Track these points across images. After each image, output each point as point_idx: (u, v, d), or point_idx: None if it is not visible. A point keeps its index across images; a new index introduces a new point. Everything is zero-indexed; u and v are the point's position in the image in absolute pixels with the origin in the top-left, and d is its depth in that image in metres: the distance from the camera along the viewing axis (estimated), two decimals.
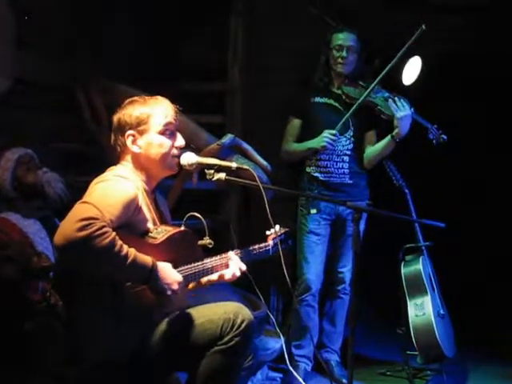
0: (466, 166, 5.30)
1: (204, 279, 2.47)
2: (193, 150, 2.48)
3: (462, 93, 5.09)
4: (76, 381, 2.20)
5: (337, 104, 3.80)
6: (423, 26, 3.36)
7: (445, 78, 4.91)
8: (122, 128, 2.33)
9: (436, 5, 4.53)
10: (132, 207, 2.19)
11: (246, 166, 2.46)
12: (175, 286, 2.18)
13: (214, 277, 2.47)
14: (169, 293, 2.16)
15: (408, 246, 3.90)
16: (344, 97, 3.75)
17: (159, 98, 2.40)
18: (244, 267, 2.48)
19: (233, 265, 2.45)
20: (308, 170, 3.83)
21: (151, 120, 2.33)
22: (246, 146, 3.83)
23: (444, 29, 4.66)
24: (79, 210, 2.03)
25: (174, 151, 2.38)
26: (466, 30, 4.74)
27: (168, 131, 2.36)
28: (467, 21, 4.65)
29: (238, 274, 2.46)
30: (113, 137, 2.38)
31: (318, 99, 3.84)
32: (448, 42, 4.86)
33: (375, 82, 3.57)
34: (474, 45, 4.81)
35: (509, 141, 5.18)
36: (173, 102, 2.42)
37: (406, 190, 3.98)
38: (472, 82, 5.01)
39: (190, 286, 2.48)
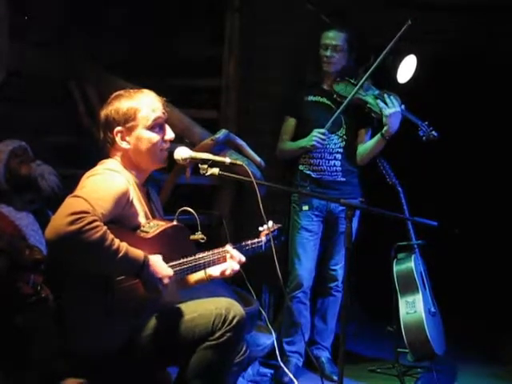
0: (459, 165, 5.31)
1: (206, 274, 2.49)
2: (187, 145, 2.48)
3: (458, 92, 5.10)
4: (66, 375, 2.20)
5: (329, 102, 3.82)
6: (409, 21, 3.37)
7: (441, 77, 4.92)
8: (110, 125, 2.32)
9: (435, 4, 4.53)
10: (123, 201, 2.19)
11: (239, 162, 2.46)
12: (166, 280, 2.18)
13: (216, 273, 2.49)
14: (160, 287, 2.16)
15: (400, 244, 3.92)
16: (335, 95, 3.77)
17: (145, 90, 2.38)
18: (243, 259, 2.50)
19: (231, 259, 2.47)
20: (301, 167, 3.84)
21: (139, 115, 2.31)
22: (240, 141, 3.82)
23: (442, 28, 4.67)
24: (70, 204, 2.02)
25: (164, 144, 2.37)
26: (464, 29, 4.74)
27: (157, 125, 2.35)
28: (465, 20, 4.65)
29: (237, 267, 2.47)
30: (102, 133, 2.36)
31: (310, 98, 3.85)
32: (445, 42, 4.86)
33: (363, 79, 3.58)
34: (472, 45, 4.83)
35: (504, 139, 5.19)
36: (168, 96, 2.42)
37: (400, 188, 3.99)
38: (469, 80, 5.02)
39: (193, 281, 2.51)
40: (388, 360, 3.95)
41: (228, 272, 2.48)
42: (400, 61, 4.10)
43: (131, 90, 2.37)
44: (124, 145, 2.32)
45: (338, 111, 3.63)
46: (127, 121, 2.30)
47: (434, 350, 3.71)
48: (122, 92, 2.37)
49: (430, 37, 4.67)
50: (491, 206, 5.32)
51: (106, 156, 2.37)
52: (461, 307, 4.67)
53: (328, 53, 3.73)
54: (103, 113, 2.34)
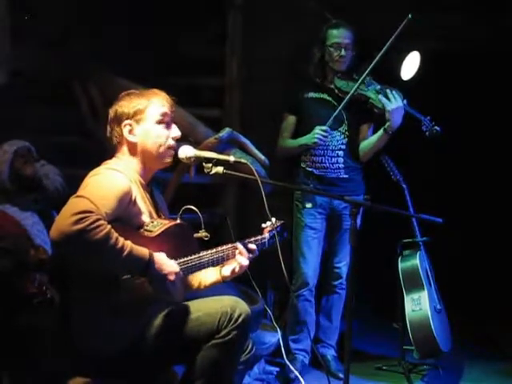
0: (464, 161, 5.30)
1: (220, 275, 2.50)
2: (190, 144, 2.48)
3: (462, 87, 5.09)
4: (72, 375, 2.20)
5: (330, 98, 3.79)
6: (410, 16, 3.35)
7: (445, 72, 4.91)
8: (119, 118, 2.34)
9: (436, 2, 4.53)
10: (126, 200, 2.19)
11: (243, 160, 2.45)
12: (172, 277, 2.18)
13: (227, 272, 2.49)
14: (166, 283, 2.16)
15: (405, 241, 3.90)
16: (336, 91, 3.75)
17: (155, 90, 2.41)
18: (252, 254, 2.49)
19: (240, 255, 2.46)
20: (303, 165, 3.83)
21: (148, 110, 2.34)
22: (243, 139, 3.82)
23: (444, 26, 4.66)
24: (74, 204, 2.03)
25: (170, 142, 2.38)
26: (465, 27, 4.74)
27: (164, 122, 2.37)
28: (465, 18, 4.65)
29: (246, 263, 2.47)
30: (109, 128, 2.38)
31: (311, 94, 3.83)
32: (447, 40, 4.86)
33: (364, 75, 3.57)
34: (472, 43, 4.82)
35: (507, 135, 5.18)
36: (171, 95, 2.43)
37: (404, 185, 3.98)
38: (472, 76, 5.01)
39: (208, 283, 2.52)
40: (394, 357, 3.93)
41: (237, 269, 2.47)
42: (403, 58, 4.09)
43: (141, 90, 2.41)
44: (131, 138, 2.33)
45: (340, 107, 3.62)
46: (136, 114, 2.33)
47: (439, 347, 3.70)
48: (132, 91, 2.41)
49: (432, 32, 4.66)
50: (496, 202, 5.31)
51: (111, 155, 2.38)
52: (467, 304, 4.66)
53: (342, 52, 3.70)
54: (113, 108, 2.37)
